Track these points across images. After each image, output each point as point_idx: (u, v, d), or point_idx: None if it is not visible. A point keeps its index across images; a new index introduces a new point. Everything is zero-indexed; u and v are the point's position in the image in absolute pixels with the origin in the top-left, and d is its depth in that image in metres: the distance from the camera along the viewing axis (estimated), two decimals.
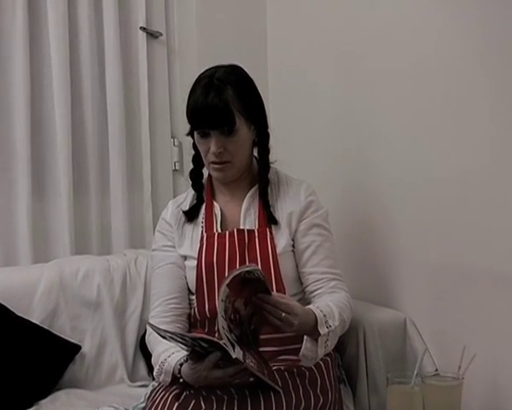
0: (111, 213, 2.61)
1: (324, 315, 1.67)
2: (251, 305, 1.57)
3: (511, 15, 1.63)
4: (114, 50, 2.57)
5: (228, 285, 1.49)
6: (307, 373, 1.74)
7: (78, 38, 2.56)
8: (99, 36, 2.59)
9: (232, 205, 1.90)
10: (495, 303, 1.74)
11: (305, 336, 1.67)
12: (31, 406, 2.02)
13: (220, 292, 1.50)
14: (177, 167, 2.74)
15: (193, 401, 1.61)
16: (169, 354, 1.70)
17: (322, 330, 1.65)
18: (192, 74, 1.90)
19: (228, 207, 1.91)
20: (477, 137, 1.77)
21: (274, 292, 1.64)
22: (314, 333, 1.66)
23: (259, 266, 1.68)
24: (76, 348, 2.17)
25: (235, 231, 1.84)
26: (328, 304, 1.73)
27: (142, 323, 2.21)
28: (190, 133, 1.87)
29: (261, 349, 1.67)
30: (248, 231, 1.85)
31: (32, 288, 2.20)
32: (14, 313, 2.13)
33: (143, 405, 1.81)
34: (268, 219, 1.86)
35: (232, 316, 1.54)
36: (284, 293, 1.77)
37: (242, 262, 1.80)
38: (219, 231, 1.86)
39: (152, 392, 1.76)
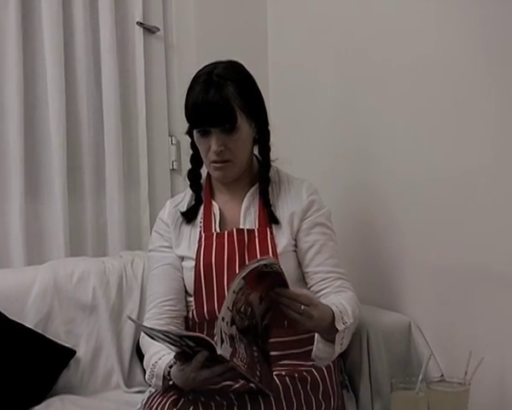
0: (107, 214, 2.61)
1: (340, 311, 1.67)
2: (267, 300, 1.55)
3: None
4: (110, 46, 2.56)
5: (244, 278, 1.47)
6: (309, 378, 1.73)
7: (72, 34, 2.55)
8: (94, 31, 2.58)
9: (231, 204, 1.90)
10: (502, 306, 1.74)
11: (315, 337, 1.67)
12: None
13: (234, 283, 1.47)
14: (174, 167, 2.74)
15: (191, 408, 1.60)
16: (160, 357, 1.69)
17: (339, 326, 1.64)
18: (190, 71, 1.90)
19: (227, 206, 1.90)
20: (481, 137, 1.78)
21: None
22: (330, 330, 1.64)
23: None
24: (71, 353, 2.17)
25: (235, 230, 1.84)
26: (341, 301, 1.72)
27: (139, 327, 2.21)
28: (189, 132, 1.86)
29: None
30: (248, 230, 1.84)
31: (26, 291, 2.20)
32: (6, 316, 2.12)
33: None
34: (269, 218, 1.85)
35: (242, 308, 1.51)
36: None
37: (242, 263, 1.79)
38: (218, 230, 1.86)
39: (149, 398, 1.75)
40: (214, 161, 1.82)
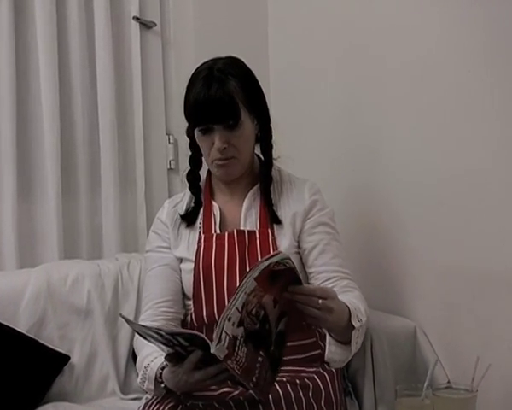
0: (102, 215, 2.60)
1: (354, 309, 1.66)
2: (282, 303, 1.52)
3: None
4: (105, 42, 2.56)
5: (256, 279, 1.44)
6: (311, 385, 1.73)
7: (66, 29, 2.54)
8: (89, 26, 2.57)
9: (232, 205, 1.90)
10: (510, 311, 1.73)
11: (327, 340, 1.67)
12: None
13: (245, 283, 1.44)
14: (172, 166, 2.74)
15: None
16: (152, 359, 1.68)
17: (356, 322, 1.64)
18: (188, 67, 1.90)
19: (227, 207, 1.90)
20: (487, 137, 1.79)
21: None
22: (346, 328, 1.64)
23: None
24: (65, 359, 2.16)
25: (235, 232, 1.84)
26: (352, 300, 1.72)
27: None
28: (188, 132, 1.86)
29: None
30: (249, 232, 1.84)
31: (18, 294, 2.19)
32: None
33: None
34: (270, 218, 1.85)
35: (254, 311, 1.48)
36: None
37: (242, 265, 1.79)
38: (218, 232, 1.86)
39: (145, 405, 1.74)
40: (218, 159, 1.82)
